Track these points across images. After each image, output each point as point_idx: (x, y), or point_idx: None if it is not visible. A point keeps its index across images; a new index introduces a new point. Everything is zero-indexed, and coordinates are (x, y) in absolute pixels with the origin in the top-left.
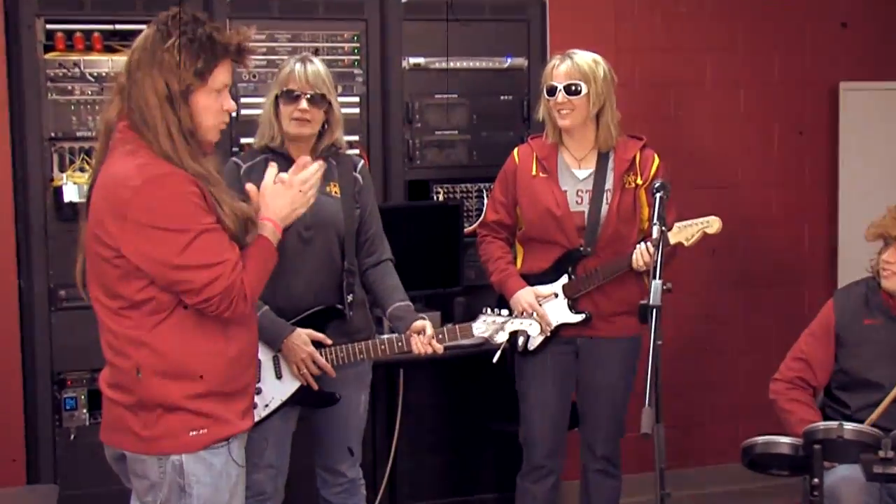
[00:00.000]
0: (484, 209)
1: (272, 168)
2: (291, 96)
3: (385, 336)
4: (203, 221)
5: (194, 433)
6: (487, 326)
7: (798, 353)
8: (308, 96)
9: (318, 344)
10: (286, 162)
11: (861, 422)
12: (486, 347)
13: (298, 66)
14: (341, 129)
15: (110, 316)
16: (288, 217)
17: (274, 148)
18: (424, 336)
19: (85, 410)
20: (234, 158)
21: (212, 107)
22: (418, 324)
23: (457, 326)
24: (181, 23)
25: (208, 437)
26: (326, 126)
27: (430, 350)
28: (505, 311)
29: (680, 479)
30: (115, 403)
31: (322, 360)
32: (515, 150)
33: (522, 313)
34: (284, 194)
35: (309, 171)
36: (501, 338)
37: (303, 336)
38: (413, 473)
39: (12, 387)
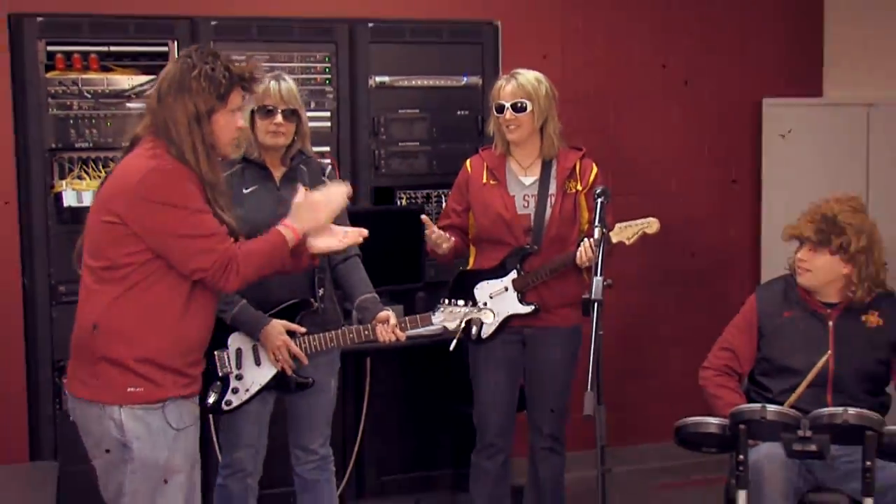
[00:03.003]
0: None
1: (301, 190)
2: (267, 111)
3: (353, 326)
4: (199, 204)
5: (131, 389)
6: (445, 315)
7: (724, 344)
8: (282, 111)
9: (292, 333)
10: (260, 170)
11: (781, 404)
12: (445, 337)
13: (273, 84)
14: (308, 139)
15: (92, 278)
16: (308, 227)
17: (251, 159)
18: (388, 325)
19: None
20: None
21: (228, 125)
22: (383, 314)
23: (418, 316)
24: (203, 56)
25: (143, 396)
26: (296, 137)
27: (393, 338)
28: (461, 302)
29: (619, 455)
30: (75, 355)
31: (295, 348)
32: (468, 161)
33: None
34: (310, 210)
35: (330, 194)
36: (454, 324)
37: (278, 326)
38: (378, 451)
39: (17, 374)
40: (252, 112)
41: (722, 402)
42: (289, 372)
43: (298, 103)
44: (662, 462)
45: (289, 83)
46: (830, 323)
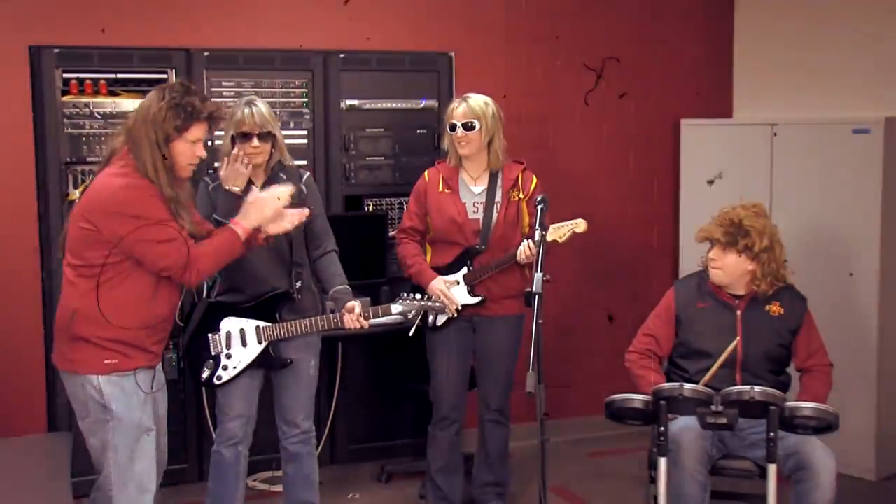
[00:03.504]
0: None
1: (255, 189)
2: (245, 136)
3: (325, 314)
4: (160, 215)
5: (108, 362)
6: (404, 307)
7: (647, 331)
8: (257, 135)
9: (272, 318)
10: (248, 182)
11: (697, 383)
12: (406, 325)
13: (248, 111)
14: (285, 151)
15: (72, 272)
16: (255, 223)
17: None
18: (354, 314)
19: None
20: (205, 178)
21: (185, 152)
22: (350, 304)
23: (379, 307)
24: (174, 90)
25: (117, 367)
26: (273, 150)
27: (358, 325)
28: (418, 295)
29: (557, 427)
30: (58, 335)
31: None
32: (426, 172)
33: (435, 298)
34: (257, 208)
35: (274, 193)
36: (412, 314)
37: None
38: (349, 423)
39: (37, 354)
40: (232, 137)
41: (645, 381)
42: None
43: (271, 123)
44: (594, 433)
45: (260, 107)
46: (738, 312)
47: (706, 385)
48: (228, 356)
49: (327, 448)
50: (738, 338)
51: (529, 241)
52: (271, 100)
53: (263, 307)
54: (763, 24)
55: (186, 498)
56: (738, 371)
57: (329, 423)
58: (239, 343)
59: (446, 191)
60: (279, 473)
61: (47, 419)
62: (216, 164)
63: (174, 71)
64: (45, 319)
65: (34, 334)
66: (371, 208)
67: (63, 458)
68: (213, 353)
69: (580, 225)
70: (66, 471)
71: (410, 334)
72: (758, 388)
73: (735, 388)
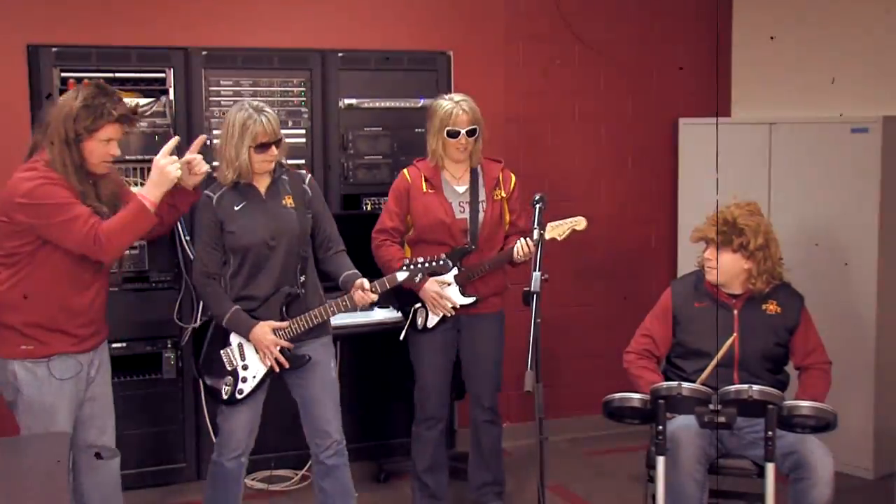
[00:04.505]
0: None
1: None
2: (264, 146)
3: (331, 300)
4: (65, 199)
5: (24, 347)
6: (409, 272)
7: (644, 331)
8: (275, 143)
9: (280, 318)
10: (248, 187)
11: (694, 382)
12: (399, 326)
13: (265, 120)
14: (285, 152)
15: None
16: (161, 189)
17: (245, 182)
18: (363, 290)
19: None
20: (206, 192)
21: (97, 151)
22: (358, 282)
23: (385, 278)
24: (88, 90)
25: (31, 353)
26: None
27: (368, 300)
28: (420, 259)
29: (555, 426)
30: None
31: (282, 342)
32: (406, 171)
33: (430, 301)
34: (157, 174)
35: (164, 153)
36: (418, 278)
37: (265, 328)
38: (345, 422)
39: None
40: (250, 147)
41: (643, 380)
42: (280, 366)
43: (280, 128)
44: (592, 432)
45: (271, 113)
46: (735, 311)
47: (703, 383)
48: (245, 367)
49: None
50: (735, 334)
51: (527, 239)
52: (269, 99)
53: (269, 308)
54: (761, 23)
55: (184, 497)
56: (735, 370)
57: None
58: (252, 351)
59: (430, 191)
60: (277, 473)
61: None
62: (214, 174)
63: (172, 70)
64: None
65: None
66: (369, 207)
67: (63, 458)
68: (229, 369)
69: (580, 223)
70: (65, 471)
71: (401, 338)
72: (756, 387)
73: (733, 387)
